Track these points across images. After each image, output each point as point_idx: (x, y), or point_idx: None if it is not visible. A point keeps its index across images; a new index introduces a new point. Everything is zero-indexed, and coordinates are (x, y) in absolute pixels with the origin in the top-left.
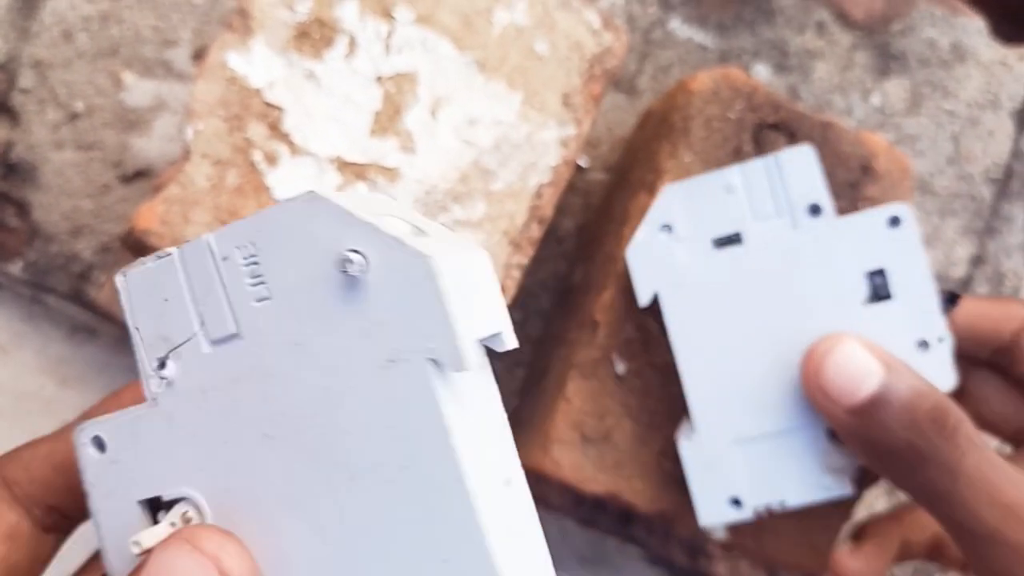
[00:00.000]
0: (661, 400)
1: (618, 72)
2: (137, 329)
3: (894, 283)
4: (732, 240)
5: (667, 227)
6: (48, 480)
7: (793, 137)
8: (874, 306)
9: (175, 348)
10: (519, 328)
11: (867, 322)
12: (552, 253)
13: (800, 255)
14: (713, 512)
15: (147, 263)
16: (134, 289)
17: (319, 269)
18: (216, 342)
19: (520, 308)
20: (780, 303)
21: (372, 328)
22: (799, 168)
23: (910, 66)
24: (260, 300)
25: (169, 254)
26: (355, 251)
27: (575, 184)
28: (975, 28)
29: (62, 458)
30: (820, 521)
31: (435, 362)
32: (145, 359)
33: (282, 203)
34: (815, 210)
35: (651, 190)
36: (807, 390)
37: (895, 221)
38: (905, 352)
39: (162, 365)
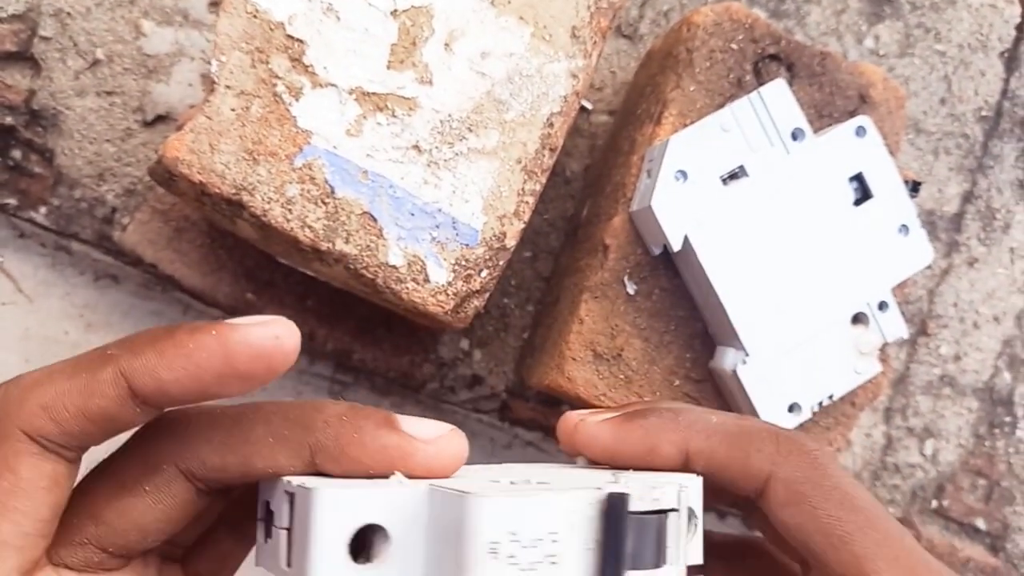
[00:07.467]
0: (670, 320)
1: (624, 5)
2: None
3: (871, 183)
4: (737, 174)
5: (681, 173)
6: (84, 431)
7: (792, 67)
8: (861, 206)
9: None
10: (529, 266)
11: (859, 220)
12: (560, 193)
13: (795, 175)
14: (779, 423)
15: None
16: None
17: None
18: None
19: (530, 247)
20: (789, 221)
21: None
22: (778, 100)
23: (902, 10)
24: None
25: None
26: None
27: (580, 127)
28: None
29: (96, 409)
30: None
31: None
32: None
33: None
34: (797, 134)
35: (658, 120)
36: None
37: (860, 131)
38: (892, 238)
39: None
